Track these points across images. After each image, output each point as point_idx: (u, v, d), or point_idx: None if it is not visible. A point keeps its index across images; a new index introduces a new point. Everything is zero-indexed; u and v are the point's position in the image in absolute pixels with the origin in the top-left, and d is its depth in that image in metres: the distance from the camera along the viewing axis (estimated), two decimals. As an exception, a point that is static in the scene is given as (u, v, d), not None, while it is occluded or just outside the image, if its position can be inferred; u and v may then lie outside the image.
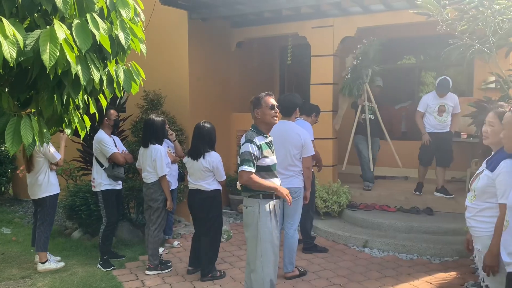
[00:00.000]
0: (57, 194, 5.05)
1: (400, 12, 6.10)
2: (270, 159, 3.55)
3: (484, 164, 2.88)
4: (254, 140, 3.47)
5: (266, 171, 3.54)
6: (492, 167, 2.72)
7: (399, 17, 6.17)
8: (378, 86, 6.88)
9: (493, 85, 5.82)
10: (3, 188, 8.70)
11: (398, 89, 8.31)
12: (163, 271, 4.80)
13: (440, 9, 3.17)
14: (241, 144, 3.54)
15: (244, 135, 3.59)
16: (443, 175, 6.32)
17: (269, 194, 3.54)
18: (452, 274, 4.68)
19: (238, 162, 3.53)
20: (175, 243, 5.76)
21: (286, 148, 4.51)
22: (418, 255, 5.22)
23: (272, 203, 3.54)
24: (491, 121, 2.79)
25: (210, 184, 4.59)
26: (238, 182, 3.54)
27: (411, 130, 7.99)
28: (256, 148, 3.45)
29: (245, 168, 3.41)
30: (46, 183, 4.92)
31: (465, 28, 3.22)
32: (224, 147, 7.38)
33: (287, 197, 3.49)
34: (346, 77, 6.53)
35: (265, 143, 3.54)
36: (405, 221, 5.79)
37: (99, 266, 4.91)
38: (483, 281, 2.89)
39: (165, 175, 4.78)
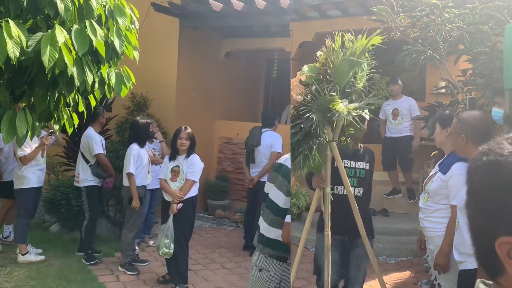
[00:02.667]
0: (31, 188, 5.04)
1: (356, 18, 6.13)
2: None
3: (436, 167, 2.99)
4: None
5: None
6: (444, 170, 2.82)
7: (355, 23, 6.28)
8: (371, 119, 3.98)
9: (443, 90, 6.00)
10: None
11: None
12: (127, 272, 4.83)
13: (394, 16, 3.27)
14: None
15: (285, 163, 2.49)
16: (408, 178, 6.50)
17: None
18: (406, 274, 4.87)
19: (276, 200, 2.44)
20: (151, 242, 5.91)
21: None
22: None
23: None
24: (436, 125, 3.00)
25: None
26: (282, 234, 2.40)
27: (367, 133, 8.18)
28: None
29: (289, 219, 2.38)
30: (19, 176, 5.02)
31: (417, 35, 3.34)
32: (206, 153, 7.57)
33: None
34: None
35: None
36: (362, 223, 6.00)
37: (83, 260, 5.03)
38: (436, 280, 3.00)
39: (131, 173, 4.79)
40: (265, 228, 2.42)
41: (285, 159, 2.50)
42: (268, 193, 2.47)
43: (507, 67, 2.54)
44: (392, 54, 3.66)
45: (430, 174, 3.07)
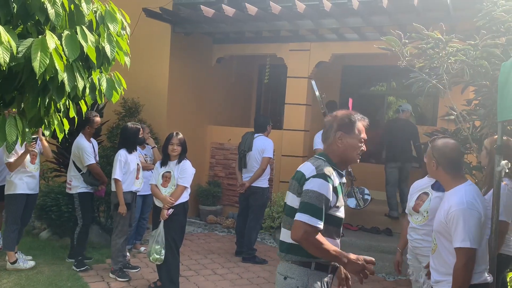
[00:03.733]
0: (19, 194, 4.96)
1: (373, 42, 6.48)
2: (342, 208, 2.40)
3: (422, 187, 3.18)
4: (331, 177, 2.28)
5: (336, 226, 2.37)
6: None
7: (371, 47, 6.55)
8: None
9: (452, 117, 6.23)
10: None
11: (369, 115, 8.71)
12: (118, 279, 4.82)
13: (401, 46, 3.50)
14: (306, 177, 2.29)
15: (308, 163, 2.37)
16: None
17: (325, 264, 2.34)
18: (403, 292, 4.96)
19: (287, 199, 2.41)
20: (142, 248, 5.88)
21: None
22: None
23: (326, 280, 2.36)
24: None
25: None
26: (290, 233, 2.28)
27: (376, 154, 8.40)
28: (332, 191, 2.26)
29: (309, 219, 2.18)
30: (8, 182, 4.98)
31: (422, 65, 3.56)
32: (198, 158, 7.57)
33: (361, 275, 2.26)
34: None
35: (340, 184, 2.38)
36: (365, 239, 6.08)
37: (74, 267, 4.99)
38: None
39: (117, 179, 4.79)
40: (285, 234, 2.38)
41: (302, 166, 2.43)
42: (286, 201, 2.45)
43: (500, 102, 2.68)
44: (405, 78, 3.88)
45: (416, 197, 3.26)
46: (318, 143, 6.03)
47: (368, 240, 6.08)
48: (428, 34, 3.41)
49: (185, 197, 4.51)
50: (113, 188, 4.87)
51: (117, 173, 4.79)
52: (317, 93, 5.76)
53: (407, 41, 3.49)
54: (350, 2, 5.36)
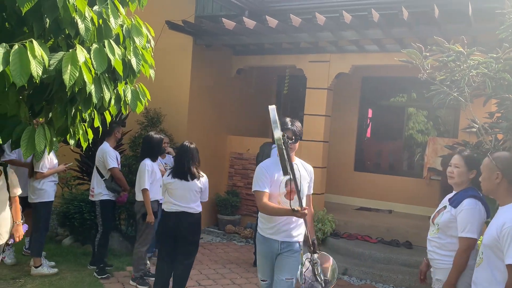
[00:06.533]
0: (51, 202, 5.24)
1: (393, 53, 6.48)
2: None
3: (444, 201, 3.17)
4: None
5: None
6: (455, 204, 3.00)
7: (391, 59, 6.55)
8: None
9: (474, 129, 6.16)
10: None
11: (389, 126, 8.66)
12: (138, 286, 4.89)
13: (422, 59, 3.50)
14: None
15: None
16: None
17: None
18: (424, 305, 4.89)
19: None
20: (162, 257, 5.94)
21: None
22: (393, 285, 5.45)
23: None
24: (457, 163, 3.09)
25: (199, 206, 4.41)
26: None
27: (398, 165, 8.34)
28: None
29: None
30: (39, 190, 5.13)
31: (443, 77, 3.55)
32: (217, 168, 7.64)
33: None
34: None
35: None
36: (385, 252, 6.03)
37: (95, 274, 5.09)
38: None
39: (146, 189, 4.84)
40: None
41: None
42: None
43: None
44: (426, 90, 3.86)
45: (438, 208, 3.22)
46: None
47: (388, 253, 6.02)
48: (449, 47, 3.41)
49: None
50: (138, 198, 4.94)
51: (146, 183, 4.85)
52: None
53: (427, 54, 3.49)
54: (370, 14, 5.39)
